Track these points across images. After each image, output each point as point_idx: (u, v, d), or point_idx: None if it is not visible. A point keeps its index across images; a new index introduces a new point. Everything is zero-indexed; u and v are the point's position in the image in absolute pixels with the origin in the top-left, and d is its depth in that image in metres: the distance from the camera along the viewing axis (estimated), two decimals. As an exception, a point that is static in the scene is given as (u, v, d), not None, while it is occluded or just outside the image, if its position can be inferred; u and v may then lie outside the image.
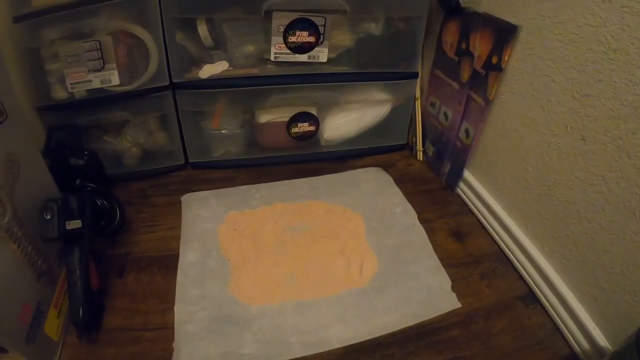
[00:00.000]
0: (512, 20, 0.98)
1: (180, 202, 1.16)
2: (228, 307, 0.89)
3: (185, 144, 1.28)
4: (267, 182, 1.26)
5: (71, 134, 1.09)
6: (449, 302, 0.93)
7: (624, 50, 0.73)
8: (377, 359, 0.83)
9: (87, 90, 1.07)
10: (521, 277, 1.02)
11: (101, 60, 1.04)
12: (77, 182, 0.99)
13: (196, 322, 0.86)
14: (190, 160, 1.31)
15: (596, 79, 0.80)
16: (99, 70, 1.05)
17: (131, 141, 1.20)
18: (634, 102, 0.73)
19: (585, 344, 0.85)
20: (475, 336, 0.88)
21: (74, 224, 0.81)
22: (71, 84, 1.05)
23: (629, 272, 0.76)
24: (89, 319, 0.81)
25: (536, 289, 0.98)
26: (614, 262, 0.80)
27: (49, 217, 0.78)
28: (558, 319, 0.92)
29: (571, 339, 0.88)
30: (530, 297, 0.98)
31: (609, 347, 0.80)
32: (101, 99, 1.09)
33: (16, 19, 0.96)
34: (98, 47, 1.03)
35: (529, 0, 0.93)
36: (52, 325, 0.79)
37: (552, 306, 0.93)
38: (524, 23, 0.95)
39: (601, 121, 0.80)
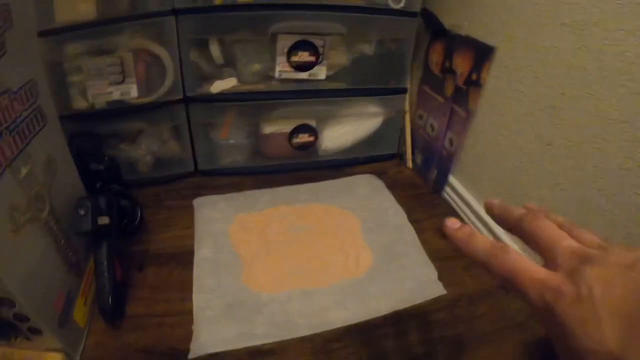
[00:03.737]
0: (489, 41, 1.06)
1: (192, 205, 1.21)
2: (241, 294, 0.95)
3: (196, 153, 1.32)
4: (270, 187, 1.31)
5: (91, 141, 1.13)
6: (436, 289, 1.00)
7: (582, 67, 0.83)
8: (374, 336, 0.89)
9: (107, 101, 1.12)
10: (501, 268, 1.09)
11: (122, 74, 1.09)
12: (98, 185, 1.03)
13: (213, 308, 0.92)
14: (200, 168, 1.35)
15: (559, 92, 0.89)
16: (119, 84, 1.10)
17: (146, 149, 1.24)
18: (590, 111, 0.82)
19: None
20: (460, 319, 0.94)
21: (104, 220, 0.86)
22: (92, 95, 1.09)
23: (596, 261, 0.85)
24: (115, 306, 0.86)
25: (515, 278, 1.05)
26: (580, 252, 0.89)
27: (83, 212, 0.82)
28: (535, 305, 1.00)
29: (546, 321, 0.96)
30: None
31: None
32: (119, 110, 1.14)
33: (41, 34, 0.95)
34: (120, 62, 1.08)
35: (503, 24, 1.01)
36: (80, 313, 0.84)
37: (529, 293, 1.01)
38: (500, 44, 1.03)
39: (564, 128, 0.89)
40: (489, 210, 0.55)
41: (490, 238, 0.47)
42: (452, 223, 0.52)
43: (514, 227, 0.50)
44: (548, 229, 0.45)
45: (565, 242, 0.43)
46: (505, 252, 0.45)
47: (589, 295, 0.36)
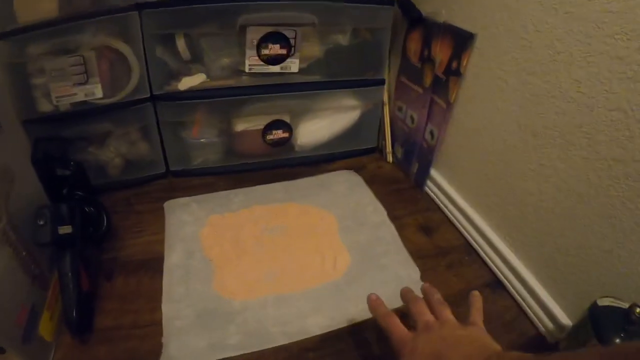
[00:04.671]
0: (469, 28, 1.03)
1: (163, 208, 1.18)
2: (212, 302, 0.92)
3: (166, 153, 1.30)
4: (245, 187, 1.28)
5: (57, 146, 1.09)
6: (418, 290, 0.97)
7: (568, 52, 0.79)
8: (353, 343, 0.87)
9: (71, 103, 1.08)
10: (486, 266, 1.07)
11: (85, 74, 1.06)
12: (64, 191, 1.00)
13: (183, 317, 0.89)
14: (171, 169, 1.33)
15: (544, 79, 0.85)
16: (83, 84, 1.07)
17: (114, 152, 1.21)
18: (577, 99, 0.79)
19: (549, 323, 0.90)
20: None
21: (65, 229, 0.83)
22: (56, 97, 1.06)
23: (583, 253, 0.83)
24: (81, 320, 0.83)
25: (501, 276, 1.03)
26: (568, 245, 0.86)
27: (42, 222, 0.80)
28: (522, 302, 0.97)
29: (535, 319, 0.94)
30: (496, 284, 1.03)
31: (570, 323, 0.86)
32: (85, 112, 1.10)
33: (1, 36, 0.96)
34: (82, 61, 1.04)
35: (483, 10, 0.98)
36: (46, 327, 0.80)
37: (516, 290, 0.99)
38: (480, 31, 1.00)
39: (550, 117, 0.86)
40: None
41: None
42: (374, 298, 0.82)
43: (405, 302, 0.82)
44: (418, 307, 0.77)
45: (424, 317, 0.74)
46: (389, 316, 0.77)
47: (416, 349, 0.67)
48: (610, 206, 0.76)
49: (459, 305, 0.94)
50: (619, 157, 0.73)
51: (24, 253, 0.78)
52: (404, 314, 0.90)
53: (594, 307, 0.73)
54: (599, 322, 0.71)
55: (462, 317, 0.76)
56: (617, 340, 0.67)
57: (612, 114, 0.73)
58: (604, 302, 0.73)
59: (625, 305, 0.69)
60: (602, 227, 0.78)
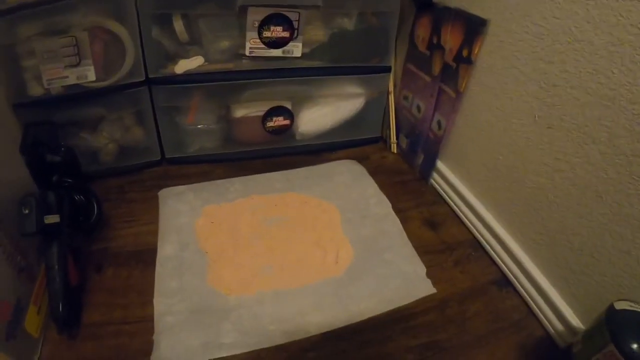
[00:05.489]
0: (481, 14, 1.00)
1: (157, 197, 1.15)
2: (206, 298, 0.89)
3: (162, 140, 1.27)
4: (243, 175, 1.26)
5: (47, 131, 1.06)
6: (424, 288, 0.95)
7: (588, 41, 0.76)
8: (355, 344, 0.84)
9: (63, 86, 1.05)
10: (494, 263, 1.05)
11: (77, 56, 1.03)
12: (54, 178, 0.97)
13: (175, 313, 0.86)
14: (167, 156, 1.30)
15: (562, 69, 0.82)
16: (75, 66, 1.04)
17: (107, 137, 1.19)
18: (598, 90, 0.75)
19: (559, 325, 0.88)
20: (451, 320, 0.90)
21: (52, 219, 0.81)
22: (47, 80, 1.03)
23: (597, 253, 0.79)
24: (68, 315, 0.81)
25: (509, 274, 1.00)
26: (582, 245, 0.82)
27: (27, 211, 0.77)
28: (531, 302, 0.94)
29: (544, 320, 0.91)
30: (504, 281, 1.00)
31: (581, 326, 0.83)
32: (77, 95, 1.08)
33: None
34: (74, 43, 1.01)
35: None
36: (32, 322, 0.78)
37: (525, 289, 0.96)
38: (493, 17, 0.97)
39: (567, 109, 0.82)
40: None
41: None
42: None
43: None
44: None
45: None
46: None
47: None
48: (629, 205, 0.73)
49: (468, 303, 0.93)
50: (640, 152, 0.70)
51: (8, 245, 0.75)
52: (407, 315, 0.89)
53: (610, 311, 0.70)
54: (616, 327, 0.68)
55: (469, 316, 0.74)
56: (635, 346, 0.64)
57: (635, 107, 0.70)
58: (621, 305, 0.69)
59: (644, 309, 0.66)
60: (619, 226, 0.75)
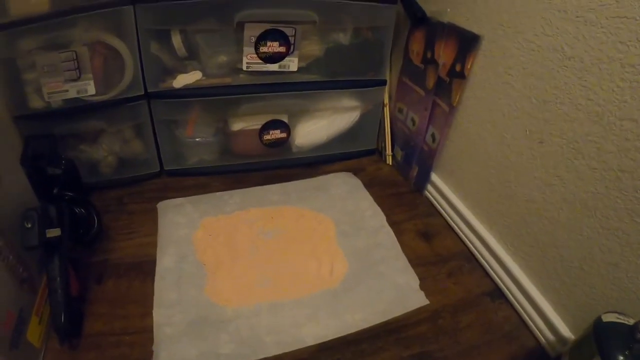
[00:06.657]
0: (474, 30, 1.01)
1: (156, 209, 1.16)
2: (204, 309, 0.90)
3: (160, 152, 1.28)
4: (240, 188, 1.26)
5: (48, 144, 1.07)
6: (417, 299, 0.96)
7: (578, 58, 0.77)
8: (348, 355, 0.85)
9: (63, 100, 1.06)
10: (487, 274, 1.06)
11: (77, 70, 1.04)
12: (55, 191, 0.98)
13: (174, 325, 0.87)
14: (166, 168, 1.31)
15: (552, 85, 0.83)
16: (75, 80, 1.05)
17: (107, 150, 1.19)
18: (587, 107, 0.77)
19: (550, 335, 0.89)
20: (443, 331, 0.91)
21: (54, 232, 0.81)
22: (48, 93, 1.04)
23: (587, 266, 0.81)
24: (70, 325, 0.81)
25: (502, 285, 1.01)
26: (572, 257, 0.84)
27: (29, 225, 0.77)
28: (523, 313, 0.96)
29: (536, 330, 0.92)
30: (496, 293, 1.01)
31: (572, 336, 0.84)
32: (77, 109, 1.09)
33: None
34: (75, 57, 1.02)
35: (490, 11, 0.96)
36: (34, 332, 0.79)
37: (517, 301, 0.97)
38: (486, 33, 0.98)
39: (558, 125, 0.84)
40: None
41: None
42: None
43: None
44: None
45: None
46: None
47: None
48: (618, 219, 0.74)
49: (460, 314, 0.94)
50: (628, 168, 0.71)
51: (10, 257, 0.75)
52: (401, 326, 0.90)
53: (598, 323, 0.71)
54: (603, 339, 0.69)
55: (461, 327, 0.74)
56: (621, 358, 0.65)
57: (623, 124, 0.71)
58: (608, 317, 0.70)
59: (631, 321, 0.67)
60: (608, 239, 0.76)
